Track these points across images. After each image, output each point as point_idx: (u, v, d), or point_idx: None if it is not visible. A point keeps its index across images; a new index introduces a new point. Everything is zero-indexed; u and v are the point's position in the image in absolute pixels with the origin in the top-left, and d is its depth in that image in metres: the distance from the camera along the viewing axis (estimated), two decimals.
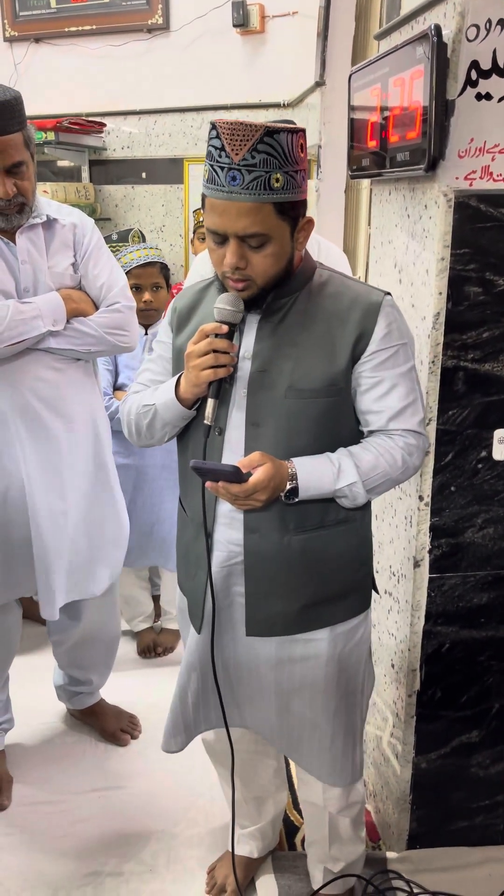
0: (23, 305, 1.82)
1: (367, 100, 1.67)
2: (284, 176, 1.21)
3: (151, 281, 2.53)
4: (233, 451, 1.38)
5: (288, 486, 1.32)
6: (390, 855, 1.86)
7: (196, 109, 3.89)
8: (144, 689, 2.57)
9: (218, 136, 1.20)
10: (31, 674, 2.54)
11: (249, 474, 1.28)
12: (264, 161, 1.19)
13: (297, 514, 1.38)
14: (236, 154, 1.18)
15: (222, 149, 1.20)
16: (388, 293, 1.38)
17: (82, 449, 2.00)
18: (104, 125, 4.05)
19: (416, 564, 1.68)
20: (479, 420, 1.60)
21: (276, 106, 3.66)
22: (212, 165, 1.22)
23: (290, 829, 1.97)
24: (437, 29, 1.30)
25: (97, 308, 1.97)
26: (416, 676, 1.74)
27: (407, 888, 1.76)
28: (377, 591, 1.61)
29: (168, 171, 4.04)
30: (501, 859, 1.82)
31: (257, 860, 1.85)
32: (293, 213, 1.26)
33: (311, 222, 1.31)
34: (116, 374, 2.63)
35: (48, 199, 1.96)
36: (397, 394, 1.37)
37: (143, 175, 4.11)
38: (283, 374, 1.34)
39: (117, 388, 2.61)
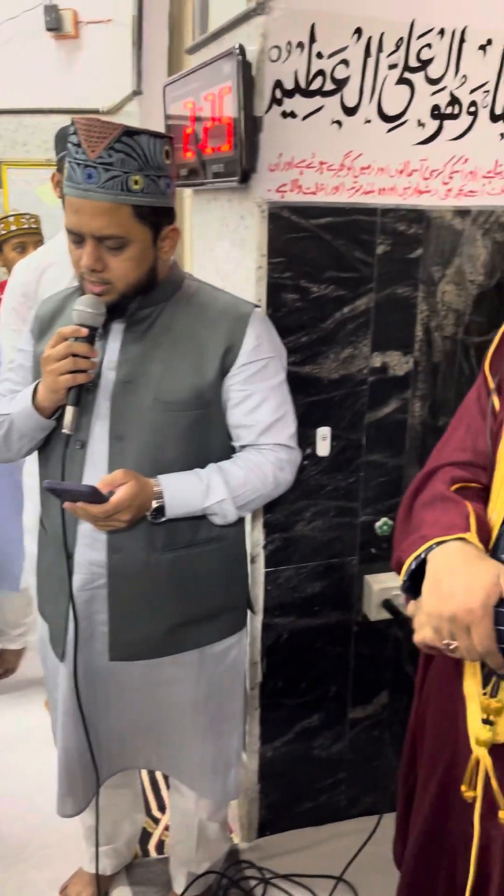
0: None
1: (181, 112, 1.71)
2: (145, 179, 1.18)
3: None
4: (95, 467, 1.32)
5: (154, 505, 1.28)
6: (242, 846, 1.91)
7: (12, 112, 3.77)
8: None
9: (75, 133, 1.17)
10: None
11: (111, 493, 1.22)
12: (122, 161, 1.16)
13: (165, 532, 1.34)
14: (92, 151, 1.16)
15: (79, 145, 1.17)
16: (258, 305, 1.38)
17: None
18: None
19: (252, 560, 1.73)
20: (303, 419, 1.67)
21: (95, 112, 3.63)
22: (70, 162, 1.19)
23: (143, 836, 1.96)
24: (242, 48, 1.36)
25: None
26: (257, 669, 1.80)
27: (259, 875, 1.82)
28: (253, 610, 1.63)
29: None
30: (345, 834, 1.92)
31: (110, 876, 1.83)
32: (155, 219, 1.23)
33: (176, 231, 1.29)
34: None
35: None
36: (268, 407, 1.36)
37: None
38: (150, 385, 1.30)
39: None
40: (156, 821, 2.02)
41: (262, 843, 1.92)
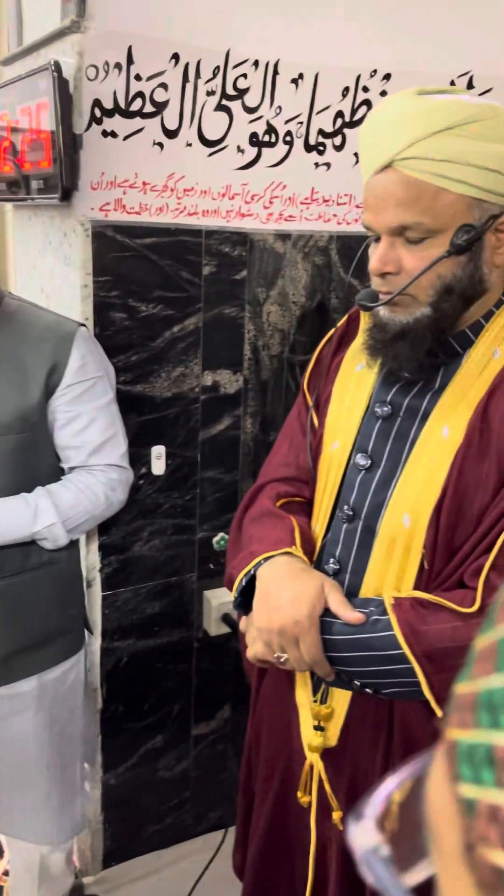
0: None
1: None
2: None
3: None
4: None
5: None
6: (87, 880, 1.85)
7: None
8: None
9: None
10: None
11: None
12: None
13: None
14: None
15: None
16: (83, 324, 1.35)
17: None
18: None
19: (89, 585, 1.69)
20: (137, 438, 1.67)
21: None
22: None
23: None
24: (58, 65, 1.33)
25: None
26: (97, 695, 1.76)
27: None
28: (90, 631, 1.58)
29: None
30: (192, 852, 1.92)
31: None
32: None
33: None
34: None
35: None
36: (96, 428, 1.33)
37: None
38: None
39: None
40: (10, 860, 1.91)
41: (108, 874, 1.87)
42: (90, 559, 1.68)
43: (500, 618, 0.26)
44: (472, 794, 0.24)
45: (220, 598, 1.81)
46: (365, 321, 1.09)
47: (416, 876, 0.29)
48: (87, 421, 1.33)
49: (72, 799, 1.50)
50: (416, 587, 0.98)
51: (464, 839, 0.24)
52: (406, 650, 0.90)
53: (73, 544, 1.44)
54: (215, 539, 1.82)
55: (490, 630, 0.26)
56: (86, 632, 1.56)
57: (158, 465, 1.71)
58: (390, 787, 0.31)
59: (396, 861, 0.29)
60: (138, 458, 1.68)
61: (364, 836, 0.29)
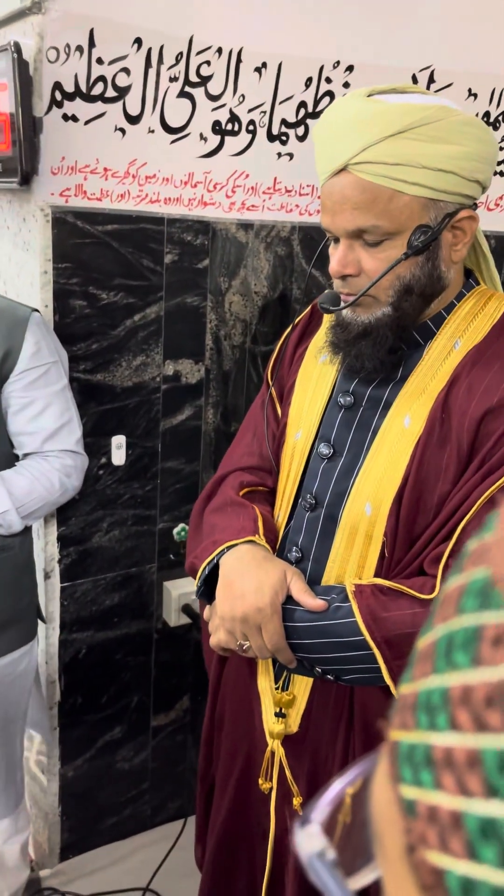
0: None
1: None
2: None
3: None
4: None
5: None
6: (43, 873, 1.83)
7: None
8: None
9: None
10: None
11: None
12: None
13: None
14: None
15: None
16: (36, 310, 1.33)
17: None
18: None
19: (47, 576, 1.67)
20: (96, 428, 1.65)
21: None
22: None
23: None
24: (17, 46, 1.31)
25: None
26: (55, 688, 1.74)
27: None
28: (43, 620, 1.57)
29: None
30: (150, 843, 1.91)
31: None
32: None
33: None
34: None
35: None
36: (51, 414, 1.32)
37: None
38: None
39: None
40: None
41: (65, 867, 1.85)
42: (49, 550, 1.66)
43: (438, 619, 0.26)
44: (412, 795, 0.24)
45: (179, 589, 1.80)
46: (327, 318, 1.09)
47: (363, 879, 0.29)
48: (41, 407, 1.33)
49: (14, 775, 1.52)
50: (377, 575, 0.99)
51: (405, 841, 0.24)
52: (367, 636, 0.91)
53: (27, 531, 1.43)
54: (175, 530, 1.81)
55: (429, 631, 0.26)
56: (39, 621, 1.55)
57: (118, 456, 1.70)
58: (338, 790, 0.31)
59: (344, 865, 0.29)
60: (98, 447, 1.66)
61: (310, 840, 0.29)
